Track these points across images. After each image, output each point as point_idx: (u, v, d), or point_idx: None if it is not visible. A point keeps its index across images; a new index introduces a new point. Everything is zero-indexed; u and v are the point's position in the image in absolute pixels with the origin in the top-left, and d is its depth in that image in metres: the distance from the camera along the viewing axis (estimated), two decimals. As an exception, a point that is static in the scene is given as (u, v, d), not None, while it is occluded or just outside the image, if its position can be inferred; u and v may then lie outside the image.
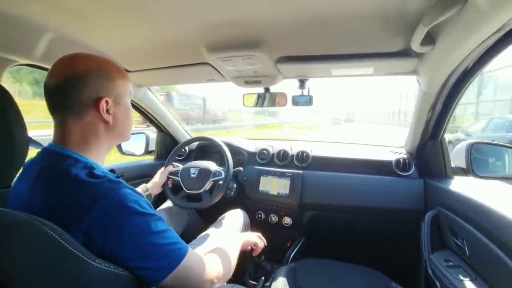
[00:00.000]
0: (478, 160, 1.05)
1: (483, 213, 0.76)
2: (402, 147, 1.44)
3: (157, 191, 1.23)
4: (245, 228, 1.20)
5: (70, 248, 0.43)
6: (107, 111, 0.59)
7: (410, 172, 1.26)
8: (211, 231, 1.10)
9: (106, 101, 0.58)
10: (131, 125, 0.67)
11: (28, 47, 0.82)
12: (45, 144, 0.60)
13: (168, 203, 1.31)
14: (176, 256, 0.55)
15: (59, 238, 0.42)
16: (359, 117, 55.61)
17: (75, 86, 0.55)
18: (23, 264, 0.39)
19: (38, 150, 0.60)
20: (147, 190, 1.17)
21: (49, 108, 0.58)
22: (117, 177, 0.57)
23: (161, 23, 0.76)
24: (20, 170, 0.60)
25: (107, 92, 0.58)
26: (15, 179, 0.61)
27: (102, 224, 0.48)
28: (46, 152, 0.57)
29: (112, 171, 0.61)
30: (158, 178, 1.25)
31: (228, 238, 0.86)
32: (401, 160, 1.29)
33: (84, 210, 0.48)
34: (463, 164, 1.06)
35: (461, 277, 0.78)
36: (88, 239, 0.48)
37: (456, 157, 1.11)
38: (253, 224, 1.36)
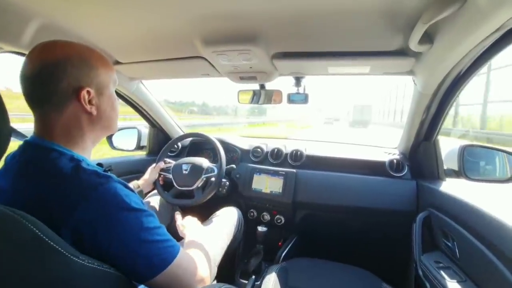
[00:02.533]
0: (470, 163, 1.06)
1: (474, 215, 0.77)
2: (395, 148, 1.44)
3: (148, 188, 1.21)
4: (238, 226, 1.18)
5: (52, 243, 0.41)
6: (90, 101, 0.55)
7: (403, 173, 1.27)
8: (204, 228, 1.07)
9: (88, 91, 0.54)
10: (117, 117, 0.64)
11: (14, 33, 0.78)
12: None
13: (149, 199, 1.28)
14: (169, 254, 0.53)
15: (40, 233, 0.40)
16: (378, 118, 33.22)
17: (53, 75, 0.51)
18: (2, 258, 0.37)
19: (20, 142, 0.58)
20: (138, 187, 1.15)
21: (27, 100, 0.54)
22: (105, 171, 0.55)
23: (155, 13, 0.74)
24: (1, 164, 0.57)
25: (88, 81, 0.55)
26: None
27: (90, 220, 0.47)
28: (28, 145, 0.54)
29: (99, 165, 0.59)
30: (149, 175, 1.22)
31: (195, 236, 0.82)
32: (394, 161, 1.30)
33: (72, 206, 0.46)
34: (455, 167, 1.07)
35: (451, 279, 0.78)
36: (76, 235, 0.46)
37: (449, 159, 1.11)
38: (245, 222, 1.35)
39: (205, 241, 0.81)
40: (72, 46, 0.55)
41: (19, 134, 0.78)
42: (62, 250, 0.42)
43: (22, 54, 0.89)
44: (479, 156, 1.10)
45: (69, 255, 0.42)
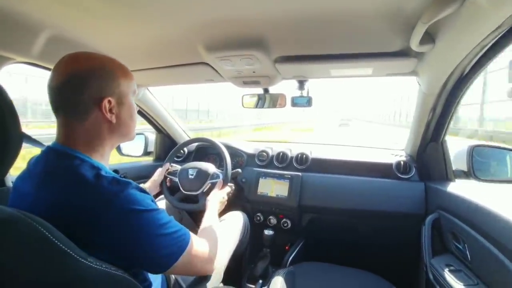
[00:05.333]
0: (480, 163, 1.04)
1: (485, 217, 0.75)
2: (402, 149, 1.42)
3: (155, 190, 1.22)
4: (245, 230, 1.18)
5: (61, 245, 0.42)
6: (110, 110, 0.58)
7: (411, 175, 1.25)
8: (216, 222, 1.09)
9: (109, 101, 0.57)
10: (135, 125, 0.67)
11: (25, 45, 0.82)
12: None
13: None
14: (183, 241, 0.60)
15: (49, 235, 0.41)
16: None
17: (77, 86, 0.55)
18: (12, 259, 0.39)
19: (32, 146, 0.60)
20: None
21: (53, 108, 0.57)
22: (121, 177, 0.57)
23: (159, 21, 0.76)
24: (17, 168, 0.59)
25: (110, 91, 0.58)
26: (7, 175, 0.60)
27: (115, 225, 0.50)
28: (51, 151, 0.57)
29: (115, 171, 0.61)
30: (157, 176, 1.24)
31: (211, 219, 0.90)
32: (402, 162, 1.28)
33: (98, 213, 0.50)
34: (464, 167, 1.05)
35: (463, 282, 0.77)
36: (102, 239, 0.50)
37: (458, 160, 1.09)
38: (251, 226, 1.35)
39: (215, 232, 0.84)
40: (94, 58, 0.58)
41: (30, 139, 0.81)
42: (71, 252, 0.43)
43: (33, 64, 0.93)
44: (489, 156, 1.08)
45: (78, 257, 0.43)
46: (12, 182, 0.87)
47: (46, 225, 0.42)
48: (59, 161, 0.55)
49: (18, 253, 0.39)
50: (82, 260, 0.44)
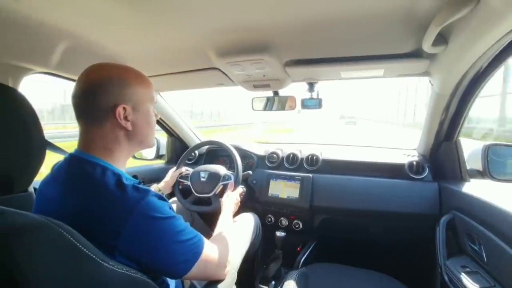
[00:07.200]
0: (496, 162, 1.02)
1: (501, 217, 0.74)
2: (414, 149, 1.40)
3: (168, 190, 1.25)
4: (256, 232, 1.19)
5: (85, 250, 0.44)
6: (126, 117, 0.60)
7: (424, 175, 1.23)
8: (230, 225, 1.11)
9: (124, 108, 0.59)
10: (153, 132, 0.68)
11: (44, 55, 0.85)
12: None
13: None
14: (198, 247, 0.62)
15: (74, 241, 0.43)
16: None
17: (94, 94, 0.58)
18: (39, 264, 0.40)
19: (56, 153, 0.62)
20: (159, 190, 1.19)
21: (76, 116, 0.61)
22: (139, 183, 0.60)
23: (172, 29, 0.78)
24: (40, 174, 0.62)
25: (125, 99, 0.60)
26: (32, 183, 0.63)
27: (136, 232, 0.52)
28: (74, 158, 0.60)
29: (135, 177, 0.63)
30: (169, 178, 1.27)
31: (225, 223, 0.92)
32: (414, 162, 1.26)
33: (120, 220, 0.51)
34: (479, 167, 1.03)
35: (479, 284, 0.76)
36: (123, 245, 0.51)
37: (472, 159, 1.07)
38: (263, 228, 1.36)
39: (229, 236, 0.85)
40: (111, 68, 0.61)
41: (53, 147, 0.84)
42: (96, 257, 0.45)
43: (52, 74, 0.96)
44: (505, 156, 1.05)
45: (102, 262, 0.45)
46: (34, 187, 0.91)
47: (71, 231, 0.44)
48: (82, 169, 0.57)
49: (45, 258, 0.40)
50: (105, 264, 0.46)
